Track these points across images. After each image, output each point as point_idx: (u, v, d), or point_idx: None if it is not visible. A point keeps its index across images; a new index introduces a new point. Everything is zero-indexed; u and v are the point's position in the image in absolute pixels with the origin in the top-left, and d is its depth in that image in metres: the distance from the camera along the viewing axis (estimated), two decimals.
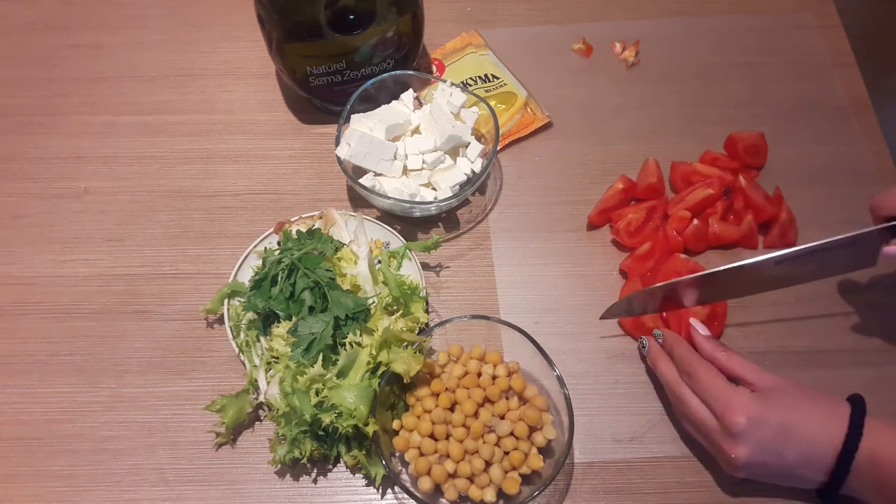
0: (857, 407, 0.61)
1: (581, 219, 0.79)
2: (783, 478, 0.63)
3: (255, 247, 0.74)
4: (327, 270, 0.67)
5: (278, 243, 0.73)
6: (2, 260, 0.77)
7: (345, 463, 0.65)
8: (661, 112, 0.86)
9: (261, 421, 0.69)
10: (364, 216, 0.75)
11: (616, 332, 0.73)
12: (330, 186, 0.81)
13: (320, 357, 0.63)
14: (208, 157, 0.83)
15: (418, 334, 0.66)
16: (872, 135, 0.84)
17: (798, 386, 0.63)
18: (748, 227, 0.76)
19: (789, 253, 0.65)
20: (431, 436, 0.64)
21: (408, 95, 0.80)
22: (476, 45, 0.89)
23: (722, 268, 0.66)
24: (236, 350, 0.69)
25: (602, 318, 0.72)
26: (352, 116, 0.77)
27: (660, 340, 0.69)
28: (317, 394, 0.62)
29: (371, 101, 0.79)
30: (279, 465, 0.67)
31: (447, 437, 0.64)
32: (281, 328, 0.65)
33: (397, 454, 0.66)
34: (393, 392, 0.66)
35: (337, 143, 0.76)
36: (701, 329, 0.68)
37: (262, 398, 0.66)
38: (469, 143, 0.77)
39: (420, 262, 0.73)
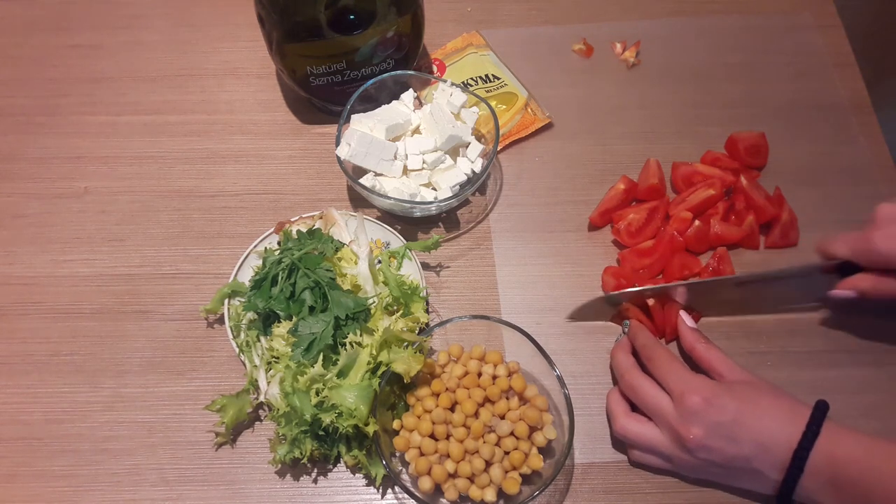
0: (819, 409, 0.60)
1: (581, 219, 0.79)
2: (739, 473, 0.61)
3: (255, 247, 0.74)
4: (327, 270, 0.67)
5: (278, 243, 0.73)
6: (2, 260, 0.77)
7: (345, 463, 0.65)
8: (662, 112, 0.86)
9: (261, 421, 0.69)
10: (364, 216, 0.75)
11: (616, 331, 0.73)
12: (330, 186, 0.81)
13: (320, 357, 0.63)
14: (208, 157, 0.83)
15: (418, 334, 0.66)
16: (872, 135, 0.84)
17: (766, 384, 0.63)
18: (749, 227, 0.76)
19: (745, 276, 0.71)
20: (432, 436, 0.64)
21: (408, 95, 0.80)
22: (477, 46, 0.89)
23: (676, 284, 0.70)
24: (236, 350, 0.69)
25: (569, 318, 0.73)
26: (352, 116, 0.77)
27: (625, 331, 0.69)
28: (317, 394, 0.62)
29: (371, 101, 0.79)
30: (279, 465, 0.67)
31: (447, 437, 0.64)
32: (281, 328, 0.65)
33: (397, 454, 0.66)
34: (393, 392, 0.66)
35: (337, 143, 0.76)
36: (688, 321, 0.69)
37: (262, 398, 0.66)
38: (469, 143, 0.77)
39: (420, 262, 0.73)
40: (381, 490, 0.66)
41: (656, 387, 0.63)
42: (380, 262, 0.70)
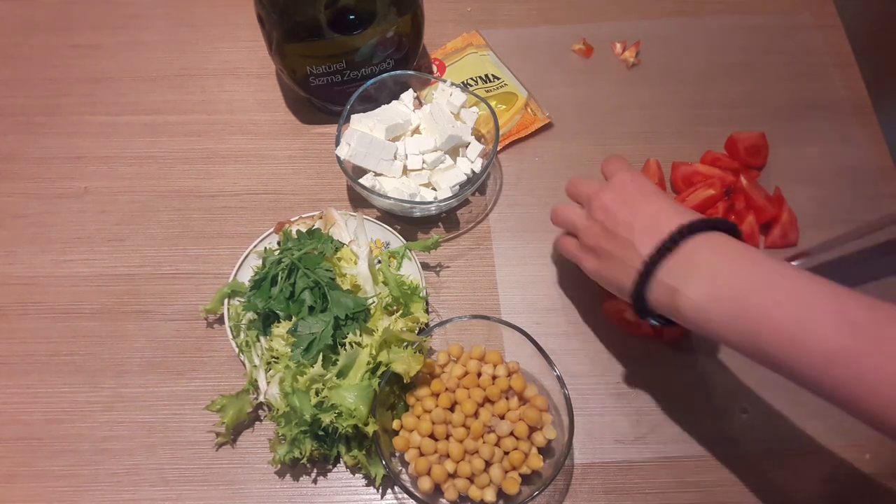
0: (723, 223, 0.58)
1: None
2: (619, 244, 0.60)
3: (255, 247, 0.74)
4: (327, 270, 0.67)
5: (278, 243, 0.73)
6: (2, 260, 0.77)
7: (345, 463, 0.65)
8: (662, 112, 0.86)
9: (261, 421, 0.69)
10: (364, 216, 0.75)
11: (616, 331, 0.73)
12: (330, 186, 0.81)
13: (320, 357, 0.63)
14: (208, 157, 0.83)
15: (418, 334, 0.66)
16: (872, 135, 0.84)
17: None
18: (749, 227, 0.76)
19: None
20: (431, 436, 0.64)
21: (408, 95, 0.80)
22: (476, 46, 0.89)
23: None
24: (236, 350, 0.69)
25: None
26: (352, 116, 0.77)
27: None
28: (317, 394, 0.62)
29: (371, 101, 0.79)
30: (279, 465, 0.67)
31: (447, 437, 0.64)
32: (281, 328, 0.65)
33: (397, 454, 0.66)
34: (393, 392, 0.66)
35: (337, 143, 0.76)
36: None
37: (262, 398, 0.66)
38: (469, 143, 0.77)
39: (420, 262, 0.73)
40: (380, 490, 0.66)
41: (571, 206, 0.68)
42: (379, 262, 0.70)
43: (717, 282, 0.54)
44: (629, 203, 0.61)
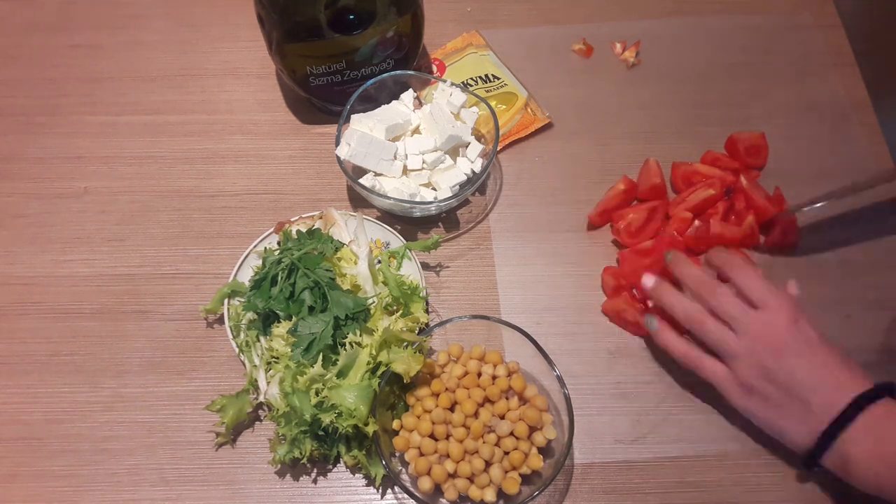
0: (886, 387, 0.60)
1: (581, 219, 0.79)
2: (788, 408, 0.61)
3: (255, 247, 0.74)
4: (327, 270, 0.67)
5: (278, 243, 0.73)
6: (2, 260, 0.77)
7: (345, 463, 0.65)
8: (662, 112, 0.86)
9: (261, 421, 0.69)
10: (364, 216, 0.75)
11: (616, 331, 0.73)
12: (330, 186, 0.81)
13: (320, 357, 0.63)
14: (208, 157, 0.83)
15: (418, 334, 0.66)
16: (872, 135, 0.84)
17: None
18: (749, 227, 0.76)
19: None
20: (431, 436, 0.64)
21: (408, 95, 0.80)
22: (476, 46, 0.89)
23: None
24: (236, 350, 0.69)
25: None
26: (352, 116, 0.77)
27: (654, 328, 0.68)
28: (317, 394, 0.62)
29: (371, 101, 0.79)
30: (279, 465, 0.67)
31: (447, 437, 0.64)
32: (281, 328, 0.65)
33: (397, 454, 0.66)
34: (393, 392, 0.66)
35: (337, 143, 0.76)
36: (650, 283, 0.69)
37: (262, 398, 0.66)
38: (469, 143, 0.77)
39: (420, 262, 0.73)
40: (380, 490, 0.66)
41: (720, 324, 0.64)
42: (379, 262, 0.70)
43: (889, 455, 0.57)
44: (805, 361, 0.61)
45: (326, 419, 0.61)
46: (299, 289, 0.66)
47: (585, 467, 0.67)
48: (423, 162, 0.76)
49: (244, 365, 0.68)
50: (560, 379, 0.65)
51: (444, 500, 0.63)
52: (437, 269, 0.77)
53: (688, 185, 0.79)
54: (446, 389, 0.65)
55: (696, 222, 0.75)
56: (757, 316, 0.62)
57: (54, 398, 0.70)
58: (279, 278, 0.67)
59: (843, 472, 0.60)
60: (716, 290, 0.65)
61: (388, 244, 0.75)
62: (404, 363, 0.62)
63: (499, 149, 0.83)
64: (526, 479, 0.64)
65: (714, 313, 0.64)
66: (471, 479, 0.63)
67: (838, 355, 0.62)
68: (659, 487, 0.66)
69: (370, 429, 0.62)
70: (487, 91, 0.85)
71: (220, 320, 0.73)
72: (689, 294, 0.67)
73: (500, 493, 0.63)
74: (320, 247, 0.69)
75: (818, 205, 0.72)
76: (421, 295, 0.68)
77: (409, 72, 0.81)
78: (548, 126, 0.85)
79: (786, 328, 0.61)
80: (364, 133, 0.75)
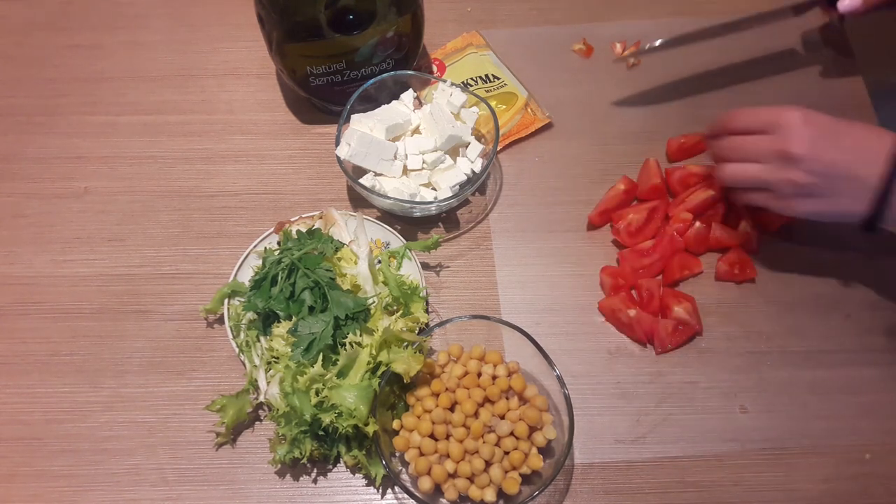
0: None
1: (581, 219, 0.79)
2: (840, 182, 0.64)
3: (255, 247, 0.74)
4: (327, 270, 0.67)
5: (278, 243, 0.73)
6: (2, 260, 0.77)
7: (345, 463, 0.65)
8: (662, 112, 0.86)
9: (261, 421, 0.69)
10: (364, 216, 0.75)
11: (616, 331, 0.73)
12: (330, 186, 0.81)
13: (320, 357, 0.63)
14: (208, 157, 0.83)
15: (418, 334, 0.66)
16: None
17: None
18: (744, 231, 0.76)
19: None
20: (431, 436, 0.64)
21: (408, 95, 0.80)
22: (477, 46, 0.89)
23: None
24: (236, 350, 0.69)
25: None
26: (352, 116, 0.77)
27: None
28: (317, 394, 0.62)
29: (371, 101, 0.79)
30: (279, 465, 0.67)
31: (447, 437, 0.64)
32: (281, 328, 0.65)
33: (397, 454, 0.66)
34: (393, 392, 0.66)
35: (337, 143, 0.76)
36: None
37: (262, 398, 0.66)
38: (469, 143, 0.77)
39: (420, 262, 0.73)
40: (380, 490, 0.66)
41: (749, 164, 0.68)
42: (379, 262, 0.70)
43: None
44: (830, 142, 0.65)
45: (326, 419, 0.61)
46: (299, 289, 0.66)
47: (585, 467, 0.67)
48: (423, 162, 0.76)
49: (244, 365, 0.68)
50: (560, 379, 0.65)
51: (444, 500, 0.63)
52: (437, 269, 0.77)
53: (684, 187, 0.79)
54: (446, 389, 0.65)
55: (697, 223, 0.75)
56: (773, 137, 0.67)
57: (54, 398, 0.70)
58: (279, 278, 0.67)
59: None
60: (732, 145, 0.70)
61: (388, 244, 0.75)
62: (404, 363, 0.62)
63: (499, 149, 0.83)
64: (526, 479, 0.64)
65: (747, 160, 0.69)
66: (471, 479, 0.63)
67: (856, 124, 0.66)
68: (659, 487, 0.66)
69: (370, 429, 0.62)
70: (487, 91, 0.85)
71: (220, 320, 0.73)
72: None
73: (500, 493, 0.63)
74: (320, 247, 0.69)
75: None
76: (421, 295, 0.68)
77: (409, 72, 0.81)
78: (548, 126, 0.85)
79: (801, 128, 0.65)
80: (364, 133, 0.75)
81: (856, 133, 0.66)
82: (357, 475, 0.67)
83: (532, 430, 0.64)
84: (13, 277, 0.76)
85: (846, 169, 0.64)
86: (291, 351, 0.63)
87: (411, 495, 0.62)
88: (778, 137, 0.66)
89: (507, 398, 0.66)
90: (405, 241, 0.74)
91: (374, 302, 0.66)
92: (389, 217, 0.79)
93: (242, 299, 0.69)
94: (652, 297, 0.73)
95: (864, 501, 0.66)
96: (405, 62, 0.82)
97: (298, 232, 0.71)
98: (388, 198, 0.73)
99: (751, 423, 0.69)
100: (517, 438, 0.64)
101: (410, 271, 0.72)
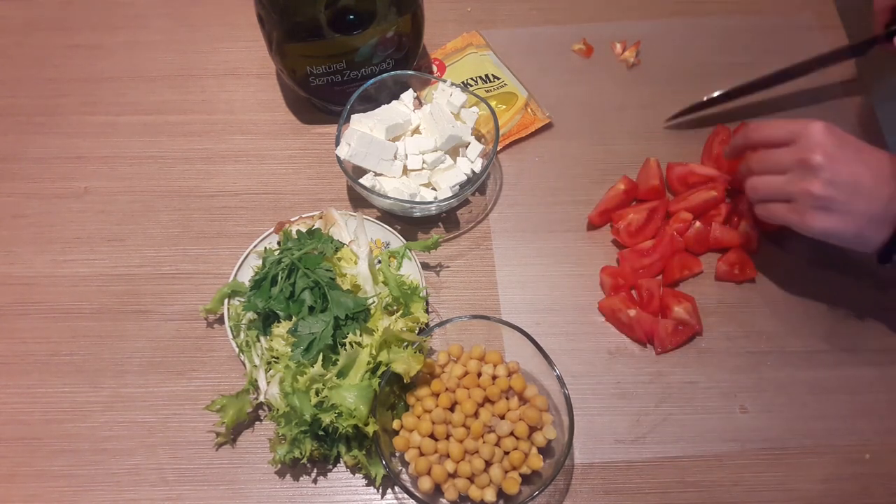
0: None
1: (581, 219, 0.79)
2: (858, 200, 0.63)
3: (255, 247, 0.74)
4: (327, 270, 0.67)
5: (278, 243, 0.73)
6: (2, 260, 0.77)
7: (345, 463, 0.65)
8: (662, 112, 0.86)
9: (261, 421, 0.69)
10: (364, 216, 0.75)
11: (616, 331, 0.73)
12: (330, 186, 0.81)
13: (320, 357, 0.63)
14: (208, 157, 0.83)
15: (418, 334, 0.66)
16: (872, 135, 0.84)
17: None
18: (745, 231, 0.75)
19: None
20: (431, 436, 0.64)
21: (408, 95, 0.80)
22: (477, 46, 0.89)
23: None
24: (236, 350, 0.69)
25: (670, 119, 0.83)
26: (352, 116, 0.77)
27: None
28: (317, 394, 0.62)
29: (371, 101, 0.79)
30: (279, 465, 0.67)
31: (447, 437, 0.64)
32: (281, 328, 0.65)
33: (397, 454, 0.66)
34: (393, 392, 0.66)
35: (337, 143, 0.76)
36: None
37: (262, 398, 0.66)
38: (469, 143, 0.77)
39: (420, 262, 0.73)
40: (380, 490, 0.66)
41: (773, 176, 0.67)
42: (379, 262, 0.70)
43: None
44: (853, 157, 0.64)
45: (326, 419, 0.61)
46: (299, 289, 0.66)
47: (585, 467, 0.67)
48: (423, 162, 0.76)
49: (244, 365, 0.68)
50: (560, 379, 0.65)
51: (444, 500, 0.63)
52: (437, 269, 0.77)
53: (683, 185, 0.79)
54: (446, 389, 0.65)
55: (697, 223, 0.75)
56: (795, 147, 0.65)
57: (54, 398, 0.70)
58: (279, 278, 0.67)
59: None
60: (762, 158, 0.69)
61: (388, 244, 0.75)
62: (404, 363, 0.62)
63: (499, 149, 0.83)
64: (526, 479, 0.64)
65: (770, 172, 0.68)
66: (471, 479, 0.63)
67: (879, 149, 0.65)
68: (659, 487, 0.66)
69: (370, 429, 0.62)
70: (487, 91, 0.85)
71: (220, 320, 0.73)
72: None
73: (500, 493, 0.63)
74: (320, 247, 0.69)
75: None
76: (421, 295, 0.68)
77: (409, 72, 0.81)
78: (548, 126, 0.85)
79: (824, 141, 0.64)
80: (364, 133, 0.75)
81: (879, 153, 0.65)
82: (357, 475, 0.67)
83: (532, 430, 0.64)
84: (13, 277, 0.76)
85: (867, 184, 0.63)
86: (291, 351, 0.63)
87: (411, 495, 0.62)
88: (799, 147, 0.65)
89: (507, 398, 0.66)
90: (405, 241, 0.74)
91: (374, 302, 0.66)
92: (389, 217, 0.79)
93: (242, 299, 0.69)
94: (652, 297, 0.73)
95: (864, 501, 0.66)
96: (405, 62, 0.82)
97: (298, 232, 0.71)
98: (388, 198, 0.73)
99: (750, 423, 0.69)
100: (517, 438, 0.64)
101: (410, 271, 0.72)
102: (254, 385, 0.67)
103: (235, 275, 0.73)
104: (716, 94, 0.83)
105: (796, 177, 0.65)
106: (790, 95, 0.86)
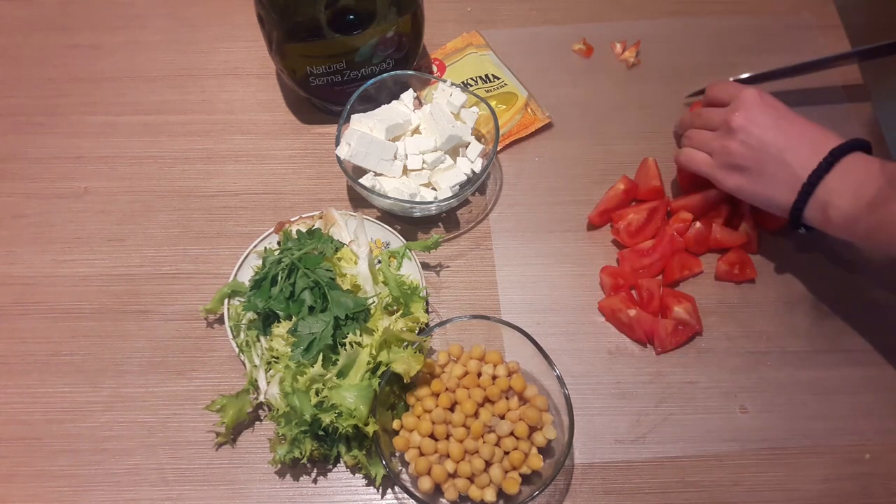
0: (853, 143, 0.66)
1: (581, 219, 0.79)
2: (770, 164, 0.66)
3: (255, 247, 0.74)
4: (327, 270, 0.67)
5: (278, 243, 0.73)
6: (2, 260, 0.77)
7: (345, 463, 0.65)
8: (662, 112, 0.86)
9: (261, 421, 0.69)
10: (364, 216, 0.75)
11: (616, 331, 0.73)
12: (330, 186, 0.81)
13: (320, 357, 0.63)
14: (208, 157, 0.83)
15: (418, 334, 0.66)
16: (872, 134, 0.84)
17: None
18: (745, 232, 0.75)
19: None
20: (431, 436, 0.64)
21: (408, 95, 0.80)
22: (477, 46, 0.89)
23: None
24: (236, 350, 0.69)
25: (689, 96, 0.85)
26: (352, 116, 0.77)
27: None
28: (317, 394, 0.62)
29: (371, 101, 0.79)
30: (279, 465, 0.67)
31: (447, 437, 0.64)
32: (281, 328, 0.65)
33: (397, 454, 0.66)
34: (393, 392, 0.66)
35: (337, 143, 0.76)
36: None
37: (262, 398, 0.66)
38: (469, 143, 0.77)
39: (420, 262, 0.73)
40: (380, 490, 0.66)
41: (703, 130, 0.73)
42: (380, 262, 0.70)
43: (864, 196, 0.63)
44: (771, 123, 0.67)
45: (326, 419, 0.61)
46: (299, 289, 0.66)
47: (585, 467, 0.67)
48: (423, 162, 0.76)
49: (244, 365, 0.68)
50: (560, 379, 0.65)
51: (444, 500, 0.63)
52: (437, 269, 0.77)
53: (690, 183, 0.78)
54: (446, 389, 0.65)
55: (697, 224, 0.75)
56: (728, 108, 0.70)
57: (54, 398, 0.70)
58: (279, 278, 0.67)
59: (825, 223, 0.65)
60: (700, 113, 0.75)
61: (388, 244, 0.75)
62: (404, 363, 0.62)
63: (499, 149, 0.83)
64: (526, 479, 0.64)
65: (705, 128, 0.73)
66: (471, 479, 0.63)
67: (807, 120, 0.68)
68: (659, 487, 0.66)
69: (370, 429, 0.62)
70: (487, 91, 0.85)
71: (220, 320, 0.73)
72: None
73: (500, 493, 0.63)
74: (320, 247, 0.69)
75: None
76: (421, 295, 0.68)
77: (409, 72, 0.81)
78: (548, 126, 0.85)
79: (752, 105, 0.68)
80: (364, 133, 0.75)
81: (804, 126, 0.68)
82: (357, 475, 0.67)
83: (532, 430, 0.64)
84: (13, 277, 0.76)
85: (778, 153, 0.66)
86: (291, 351, 0.63)
87: (411, 495, 0.62)
88: (730, 108, 0.70)
89: (507, 398, 0.66)
90: (405, 241, 0.74)
91: (374, 302, 0.66)
92: (389, 217, 0.79)
93: (242, 299, 0.69)
94: (652, 297, 0.73)
95: (864, 501, 0.66)
96: (405, 62, 0.82)
97: (298, 232, 0.71)
98: (388, 198, 0.73)
99: (750, 423, 0.69)
100: (517, 438, 0.64)
101: (410, 271, 0.72)
102: (254, 385, 0.67)
103: (235, 275, 0.73)
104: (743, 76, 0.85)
105: (720, 135, 0.70)
106: (790, 93, 0.86)
